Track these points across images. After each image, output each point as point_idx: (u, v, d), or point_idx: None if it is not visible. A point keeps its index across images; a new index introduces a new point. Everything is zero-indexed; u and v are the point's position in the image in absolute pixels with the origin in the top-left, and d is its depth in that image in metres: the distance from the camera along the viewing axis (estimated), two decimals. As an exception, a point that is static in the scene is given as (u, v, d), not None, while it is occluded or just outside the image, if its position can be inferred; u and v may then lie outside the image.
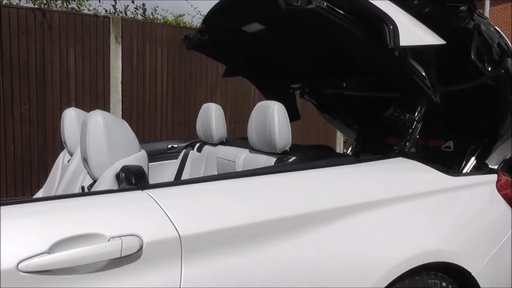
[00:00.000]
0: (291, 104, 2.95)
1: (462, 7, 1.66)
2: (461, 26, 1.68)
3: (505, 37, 1.74)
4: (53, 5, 5.23)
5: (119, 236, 1.09)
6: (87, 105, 4.90)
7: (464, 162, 1.94)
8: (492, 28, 1.70)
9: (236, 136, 5.53)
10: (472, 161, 1.94)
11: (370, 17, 1.59)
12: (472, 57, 1.70)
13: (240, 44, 2.40)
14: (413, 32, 1.63)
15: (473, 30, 1.67)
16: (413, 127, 1.84)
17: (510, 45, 1.75)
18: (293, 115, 2.92)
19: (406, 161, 1.75)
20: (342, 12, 1.60)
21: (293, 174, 1.49)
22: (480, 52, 1.73)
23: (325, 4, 1.56)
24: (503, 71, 1.72)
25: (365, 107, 2.72)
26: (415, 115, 1.85)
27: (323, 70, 2.57)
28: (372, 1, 1.59)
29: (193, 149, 2.72)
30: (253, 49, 2.47)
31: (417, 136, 1.83)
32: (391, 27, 1.53)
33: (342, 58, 2.22)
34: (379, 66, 1.94)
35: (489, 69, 1.74)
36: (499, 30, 1.75)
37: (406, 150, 1.79)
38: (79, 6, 5.63)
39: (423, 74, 1.75)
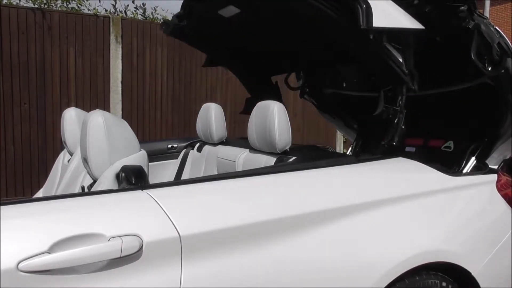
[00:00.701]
0: (276, 96, 2.91)
1: (462, 7, 1.65)
2: (461, 26, 1.67)
3: (505, 37, 1.74)
4: (53, 5, 5.23)
5: (119, 236, 1.09)
6: (87, 105, 4.90)
7: (464, 162, 1.94)
8: (492, 28, 1.70)
9: (236, 136, 5.53)
10: (472, 161, 1.94)
11: None
12: (472, 57, 1.69)
13: (219, 31, 2.35)
14: (388, 14, 1.60)
15: (473, 29, 1.67)
16: (397, 118, 1.80)
17: (510, 45, 1.75)
18: None
19: (406, 161, 1.75)
20: None
21: (293, 174, 1.49)
22: (480, 52, 1.72)
23: None
24: (503, 71, 1.72)
25: (365, 107, 2.72)
26: (397, 105, 1.81)
27: (303, 59, 2.54)
28: None
29: (193, 149, 2.72)
30: (232, 37, 2.43)
31: (403, 127, 1.79)
32: (364, 6, 1.49)
33: (321, 44, 2.19)
34: (356, 50, 1.90)
35: (489, 69, 1.73)
36: (499, 30, 1.74)
37: (394, 143, 1.78)
38: (79, 6, 5.63)
39: (400, 60, 1.71)
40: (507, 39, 1.74)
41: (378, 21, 1.52)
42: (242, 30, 2.24)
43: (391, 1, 1.68)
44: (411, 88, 1.76)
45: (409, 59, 1.74)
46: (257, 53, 2.65)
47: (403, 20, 1.65)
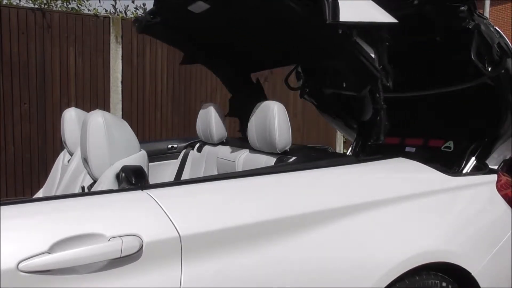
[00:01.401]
0: (258, 93, 2.85)
1: (462, 7, 1.65)
2: (461, 26, 1.67)
3: (505, 37, 1.74)
4: (53, 5, 5.23)
5: (119, 236, 1.09)
6: (87, 105, 4.90)
7: (464, 162, 1.94)
8: (492, 28, 1.70)
9: (236, 136, 5.53)
10: (472, 161, 1.94)
11: None
12: (472, 57, 1.68)
13: (192, 27, 2.30)
14: (357, 8, 1.56)
15: (473, 30, 1.66)
16: (379, 116, 1.76)
17: (510, 45, 1.75)
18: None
19: (406, 161, 1.75)
20: None
21: (293, 174, 1.49)
22: (480, 52, 1.71)
23: None
24: (503, 71, 1.71)
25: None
26: (376, 103, 1.77)
27: (278, 55, 2.49)
28: None
29: (193, 149, 2.72)
30: (205, 33, 2.37)
31: (387, 123, 1.75)
32: (330, 0, 1.45)
33: (294, 41, 2.14)
34: (325, 45, 1.84)
35: (489, 69, 1.73)
36: (499, 30, 1.74)
37: (380, 141, 1.76)
38: (79, 6, 5.63)
39: (372, 55, 1.67)
40: (507, 39, 1.74)
41: (346, 15, 1.47)
42: (214, 26, 2.19)
43: None
44: (385, 84, 1.71)
45: (383, 54, 1.70)
46: (234, 50, 2.60)
47: (374, 14, 1.60)
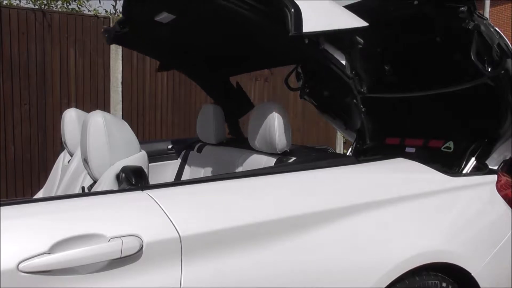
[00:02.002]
0: (240, 95, 2.84)
1: (462, 8, 1.65)
2: (461, 26, 1.67)
3: (505, 37, 1.74)
4: (53, 5, 5.24)
5: (120, 237, 1.09)
6: (87, 106, 4.90)
7: (464, 162, 1.94)
8: (492, 29, 1.70)
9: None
10: (472, 162, 1.94)
11: (271, 1, 1.44)
12: (472, 57, 1.68)
13: (162, 36, 2.24)
14: (323, 16, 1.50)
15: (473, 30, 1.66)
16: (360, 120, 1.73)
17: (510, 45, 1.75)
18: (245, 106, 2.83)
19: (406, 162, 1.75)
20: None
21: (293, 174, 1.49)
22: (480, 53, 1.71)
23: None
24: (503, 71, 1.72)
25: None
26: (357, 109, 1.74)
27: (252, 60, 2.45)
28: None
29: (193, 150, 2.72)
30: (175, 41, 2.32)
31: (369, 127, 1.74)
32: (292, 11, 1.38)
33: (263, 48, 2.11)
34: (293, 55, 1.83)
35: (489, 69, 1.73)
36: (499, 31, 1.74)
37: (367, 144, 1.75)
38: (80, 6, 5.64)
39: (343, 62, 1.62)
40: (507, 40, 1.74)
41: (311, 25, 1.42)
42: (183, 34, 2.17)
43: (332, 2, 1.60)
44: (359, 91, 1.68)
45: (355, 59, 1.67)
46: (207, 55, 2.57)
47: (342, 20, 1.56)
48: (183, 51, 2.54)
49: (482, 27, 1.66)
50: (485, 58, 1.72)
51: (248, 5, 1.45)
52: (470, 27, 1.65)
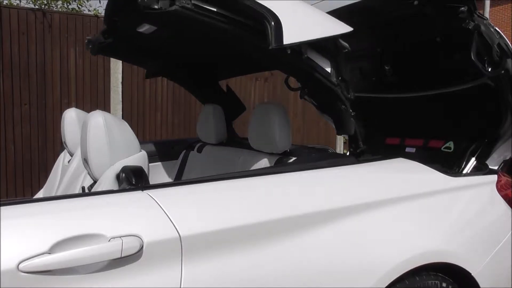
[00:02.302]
0: (231, 98, 2.83)
1: (462, 8, 1.65)
2: (461, 26, 1.67)
3: (505, 37, 1.74)
4: (53, 5, 5.24)
5: (120, 237, 1.10)
6: (87, 105, 4.90)
7: (464, 162, 1.94)
8: (492, 29, 1.70)
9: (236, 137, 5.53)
10: (472, 162, 1.94)
11: (250, 14, 1.42)
12: (473, 57, 1.68)
13: (146, 45, 2.21)
14: (304, 25, 1.48)
15: (473, 30, 1.66)
16: (351, 124, 1.71)
17: (510, 45, 1.75)
18: (237, 108, 2.83)
19: (406, 162, 1.75)
20: (217, 11, 1.41)
21: (293, 174, 1.49)
22: (480, 53, 1.71)
23: (190, 3, 1.37)
24: (503, 71, 1.72)
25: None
26: (344, 114, 1.71)
27: (239, 66, 2.45)
28: None
29: (193, 150, 2.72)
30: (160, 50, 2.30)
31: (361, 131, 1.72)
32: (272, 24, 1.35)
33: (245, 55, 2.08)
34: (276, 65, 1.78)
35: (489, 69, 1.73)
36: (499, 31, 1.74)
37: (361, 148, 1.75)
38: (80, 6, 5.64)
39: (328, 69, 1.60)
40: (507, 40, 1.74)
41: (291, 36, 1.38)
42: (167, 45, 2.14)
43: (310, 7, 1.57)
44: (346, 96, 1.66)
45: (341, 65, 1.65)
46: (193, 62, 2.54)
47: (325, 27, 1.53)
48: (168, 60, 2.54)
49: (482, 27, 1.66)
50: (485, 58, 1.72)
51: (227, 18, 1.43)
52: (470, 27, 1.65)
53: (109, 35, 2.05)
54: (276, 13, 1.38)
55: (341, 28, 1.56)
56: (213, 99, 2.71)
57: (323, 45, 1.58)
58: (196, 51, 2.27)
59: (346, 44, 1.61)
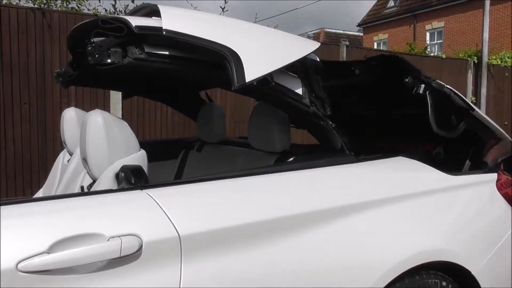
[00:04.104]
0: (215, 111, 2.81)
1: (406, 80, 1.62)
2: (413, 94, 1.63)
3: (459, 93, 1.70)
4: (53, 5, 5.23)
5: (119, 236, 1.09)
6: (87, 105, 4.90)
7: (464, 161, 1.93)
8: (445, 87, 1.66)
9: (236, 136, 5.53)
10: (472, 161, 1.93)
11: (208, 55, 1.40)
12: (430, 118, 1.62)
13: (114, 74, 2.04)
14: (267, 57, 1.44)
15: (424, 93, 1.62)
16: (334, 137, 1.68)
17: (466, 99, 1.71)
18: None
19: (406, 160, 1.75)
20: (173, 55, 1.39)
21: (293, 173, 1.49)
22: (437, 109, 1.66)
23: (144, 52, 1.34)
24: (465, 126, 1.70)
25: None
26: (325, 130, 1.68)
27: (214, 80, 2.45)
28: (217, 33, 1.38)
29: (193, 149, 2.71)
30: (131, 74, 2.19)
31: (347, 136, 1.69)
32: (232, 63, 1.32)
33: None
34: (244, 92, 1.75)
35: (449, 129, 1.70)
36: (452, 89, 1.69)
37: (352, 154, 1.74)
38: (79, 6, 5.63)
39: (300, 90, 1.56)
40: (462, 95, 1.71)
41: (253, 72, 1.33)
42: (134, 74, 2.09)
43: (272, 31, 1.52)
44: (323, 114, 1.61)
45: (313, 82, 1.60)
46: (167, 80, 2.42)
47: (289, 51, 1.49)
48: (139, 85, 2.50)
49: (434, 84, 1.63)
50: (444, 115, 1.68)
51: (185, 59, 1.41)
52: (420, 92, 1.62)
53: (76, 66, 1.99)
54: (235, 49, 1.34)
55: (307, 48, 1.53)
56: (193, 109, 2.68)
57: (295, 67, 1.55)
58: (163, 81, 2.26)
59: (315, 58, 1.57)
